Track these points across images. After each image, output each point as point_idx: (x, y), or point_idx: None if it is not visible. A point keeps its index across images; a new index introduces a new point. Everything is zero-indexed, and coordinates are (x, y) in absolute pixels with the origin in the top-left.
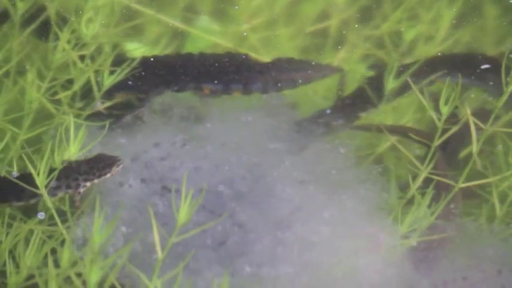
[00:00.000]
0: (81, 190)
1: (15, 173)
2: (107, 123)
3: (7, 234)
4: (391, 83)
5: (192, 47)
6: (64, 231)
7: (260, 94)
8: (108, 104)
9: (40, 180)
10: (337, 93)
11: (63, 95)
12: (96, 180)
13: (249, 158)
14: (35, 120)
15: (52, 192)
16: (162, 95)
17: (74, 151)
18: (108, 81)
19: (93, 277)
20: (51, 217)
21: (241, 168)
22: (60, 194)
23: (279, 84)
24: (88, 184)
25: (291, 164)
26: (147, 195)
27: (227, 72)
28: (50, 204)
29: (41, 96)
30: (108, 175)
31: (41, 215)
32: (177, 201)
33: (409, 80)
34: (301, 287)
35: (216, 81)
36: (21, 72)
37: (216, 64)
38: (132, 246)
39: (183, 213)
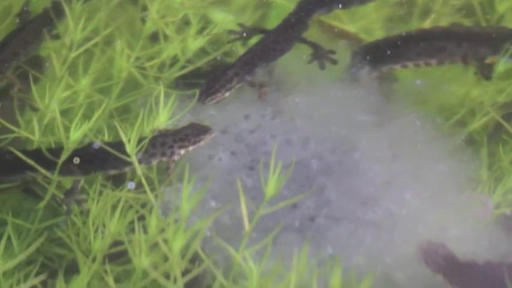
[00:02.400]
0: (176, 158)
1: (97, 143)
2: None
3: (97, 202)
4: None
5: (276, 17)
6: (153, 199)
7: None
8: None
9: (131, 148)
10: None
11: (152, 63)
12: (190, 148)
13: (337, 131)
14: (123, 90)
15: (147, 160)
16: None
17: (163, 119)
18: (193, 46)
19: (177, 244)
20: (139, 185)
21: (330, 141)
22: (155, 162)
23: None
24: (183, 152)
25: (379, 137)
26: (237, 168)
27: None
28: (139, 172)
29: (130, 65)
30: (202, 143)
31: (130, 185)
32: (266, 174)
33: None
34: (392, 259)
35: None
36: (109, 42)
37: None
38: (221, 220)
39: (271, 187)
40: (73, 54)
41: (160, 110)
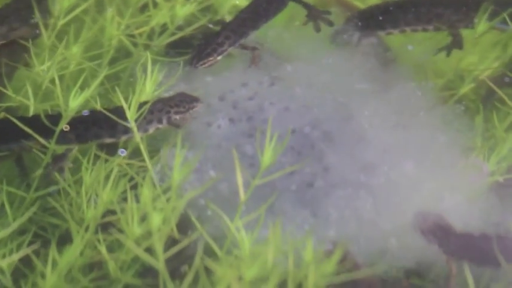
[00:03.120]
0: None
1: (86, 111)
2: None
3: (91, 171)
4: None
5: None
6: (150, 166)
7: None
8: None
9: (131, 114)
10: None
11: (140, 31)
12: (186, 114)
13: (335, 99)
14: (113, 58)
15: (144, 127)
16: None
17: (149, 87)
18: (181, 12)
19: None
20: (133, 155)
21: (328, 108)
22: (151, 130)
23: None
24: (178, 118)
25: (377, 105)
26: (236, 135)
27: None
28: (138, 139)
29: (120, 33)
30: (195, 109)
31: (121, 152)
32: (263, 143)
33: None
34: (387, 226)
35: None
36: (100, 11)
37: None
38: (219, 189)
39: (267, 156)
40: (61, 22)
41: (148, 78)
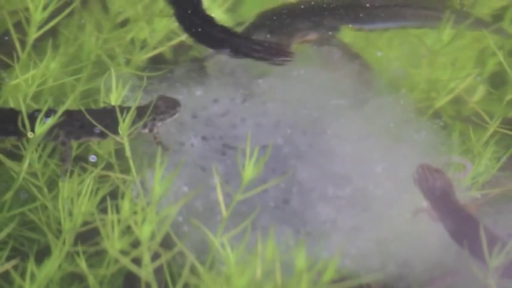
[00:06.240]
0: (155, 130)
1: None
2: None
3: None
4: None
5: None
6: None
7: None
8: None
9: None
10: None
11: (117, 44)
12: (168, 120)
13: (309, 114)
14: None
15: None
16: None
17: (115, 99)
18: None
19: (147, 228)
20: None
21: (301, 124)
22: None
23: None
24: (160, 124)
25: (351, 119)
26: (209, 153)
27: None
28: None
29: (98, 48)
30: (177, 115)
31: (92, 158)
32: (235, 160)
33: None
34: (365, 240)
35: None
36: (80, 26)
37: None
38: (194, 206)
39: (248, 171)
40: (34, 36)
41: (113, 90)
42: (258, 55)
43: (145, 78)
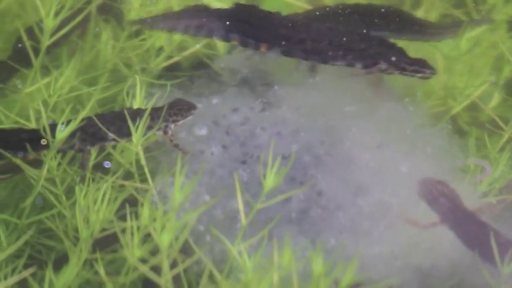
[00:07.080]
0: (170, 132)
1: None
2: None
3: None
4: None
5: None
6: (151, 185)
7: None
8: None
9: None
10: None
11: (134, 53)
12: (181, 122)
13: (325, 122)
14: (109, 81)
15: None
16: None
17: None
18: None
19: (166, 236)
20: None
21: (318, 132)
22: (148, 135)
23: None
24: (173, 126)
25: (367, 126)
26: (229, 162)
27: None
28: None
29: (114, 56)
30: (191, 117)
31: (107, 164)
32: (258, 168)
33: None
34: (384, 248)
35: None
36: (96, 35)
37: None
38: (214, 214)
39: (269, 181)
40: (47, 42)
41: (137, 96)
42: (411, 68)
43: (168, 85)
